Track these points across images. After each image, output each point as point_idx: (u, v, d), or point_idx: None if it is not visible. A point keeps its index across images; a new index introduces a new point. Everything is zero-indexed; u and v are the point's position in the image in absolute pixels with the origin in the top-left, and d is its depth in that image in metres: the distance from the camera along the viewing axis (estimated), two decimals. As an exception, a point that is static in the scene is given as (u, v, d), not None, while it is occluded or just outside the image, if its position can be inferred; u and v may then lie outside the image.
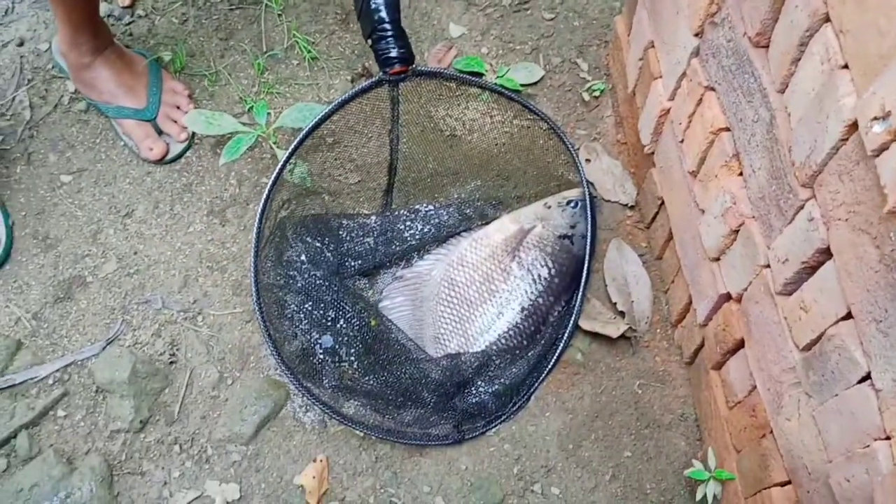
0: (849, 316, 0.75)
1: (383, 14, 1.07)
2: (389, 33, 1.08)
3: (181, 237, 1.33)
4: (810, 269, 0.81)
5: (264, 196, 1.10)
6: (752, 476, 1.00)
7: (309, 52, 1.46)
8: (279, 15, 1.51)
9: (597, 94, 1.44)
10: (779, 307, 0.88)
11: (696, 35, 1.01)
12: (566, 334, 1.21)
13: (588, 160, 1.38)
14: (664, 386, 1.23)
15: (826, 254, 0.78)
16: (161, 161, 1.36)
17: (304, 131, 1.11)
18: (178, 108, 1.39)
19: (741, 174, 0.95)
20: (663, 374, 1.24)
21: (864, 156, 0.69)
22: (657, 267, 1.30)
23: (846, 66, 0.71)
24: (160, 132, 1.38)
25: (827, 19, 0.74)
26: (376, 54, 1.10)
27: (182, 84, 1.42)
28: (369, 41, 1.11)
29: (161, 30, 1.50)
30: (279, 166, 1.10)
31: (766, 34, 0.85)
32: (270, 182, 1.11)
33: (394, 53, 1.08)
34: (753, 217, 0.92)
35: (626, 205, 1.35)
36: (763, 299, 0.92)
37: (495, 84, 1.30)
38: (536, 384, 1.20)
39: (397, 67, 1.09)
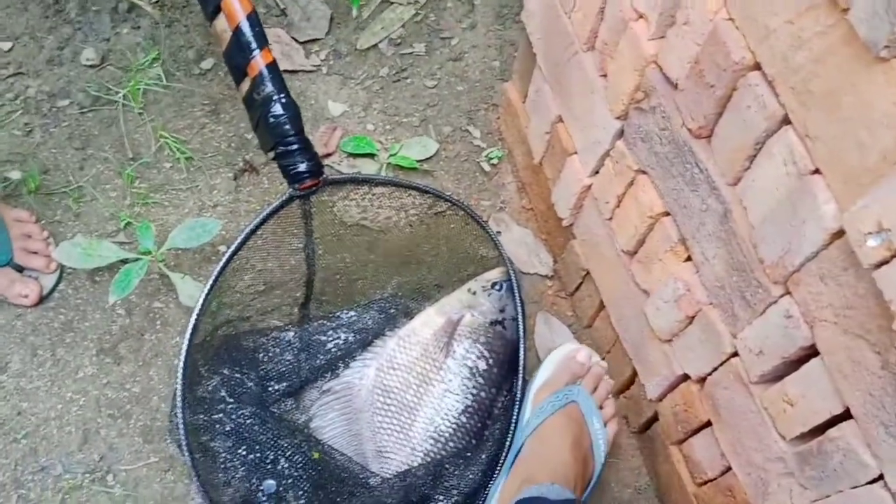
0: (846, 414, 0.74)
1: (287, 127, 0.98)
2: (296, 147, 0.99)
3: (71, 385, 1.17)
4: (792, 364, 0.80)
5: (184, 348, 0.98)
6: (738, 557, 0.99)
7: (182, 152, 1.34)
8: (140, 114, 1.37)
9: (495, 161, 1.40)
10: (755, 397, 0.87)
11: (619, 118, 0.99)
12: (512, 427, 1.16)
13: (499, 232, 1.33)
14: (616, 459, 1.21)
15: (810, 350, 0.77)
16: (39, 303, 1.19)
17: (217, 267, 1.00)
18: (31, 237, 1.22)
19: (689, 259, 0.93)
20: (614, 447, 1.21)
21: (853, 264, 0.67)
22: (588, 336, 1.28)
23: (818, 171, 0.70)
24: (21, 270, 1.20)
25: (786, 121, 0.72)
26: (283, 169, 1.01)
27: (25, 211, 1.25)
28: (271, 154, 1.01)
29: (3, 146, 1.32)
30: (194, 315, 0.98)
31: (708, 127, 0.83)
32: (189, 330, 0.98)
33: (303, 168, 1.00)
34: (711, 304, 0.91)
35: (545, 275, 1.32)
36: (734, 386, 0.90)
37: (399, 178, 1.24)
38: (493, 485, 1.14)
39: (308, 182, 1.01)
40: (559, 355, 1.14)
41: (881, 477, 0.71)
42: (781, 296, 0.78)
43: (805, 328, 0.76)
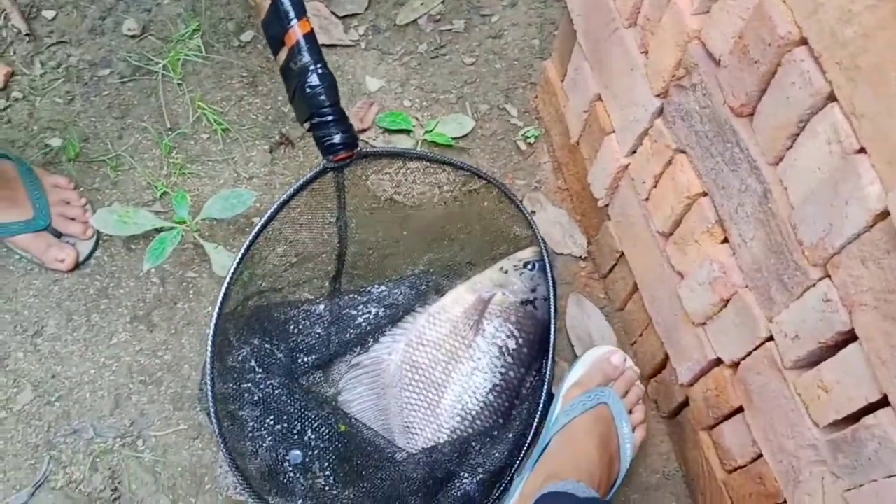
0: (883, 402, 0.72)
1: (323, 98, 0.97)
2: (331, 118, 0.98)
3: (104, 351, 1.19)
4: (829, 349, 0.78)
5: (214, 316, 0.98)
6: (766, 545, 0.98)
7: (219, 123, 1.34)
8: (179, 85, 1.37)
9: (531, 140, 1.38)
10: (789, 382, 0.85)
11: (659, 96, 0.97)
12: (540, 406, 1.15)
13: (533, 212, 1.32)
14: (644, 444, 1.19)
15: (848, 336, 0.75)
16: (75, 268, 1.21)
17: (250, 236, 1.00)
18: (69, 203, 1.24)
19: (726, 241, 0.91)
20: (642, 431, 1.20)
21: (896, 246, 0.65)
22: (619, 318, 1.26)
23: (863, 151, 0.67)
24: (59, 236, 1.22)
25: (832, 98, 0.70)
26: (317, 140, 1.00)
27: (63, 177, 1.26)
28: (306, 125, 1.01)
29: (44, 113, 1.34)
30: (227, 279, 0.99)
31: (751, 105, 0.81)
32: (220, 297, 0.98)
33: (338, 139, 0.99)
34: (747, 287, 0.89)
35: (579, 256, 1.30)
36: (767, 372, 0.88)
37: (434, 153, 1.23)
38: (518, 464, 1.13)
39: (342, 154, 1.00)
40: (594, 356, 1.13)
41: (918, 467, 0.70)
42: (820, 279, 0.76)
43: (843, 312, 0.73)
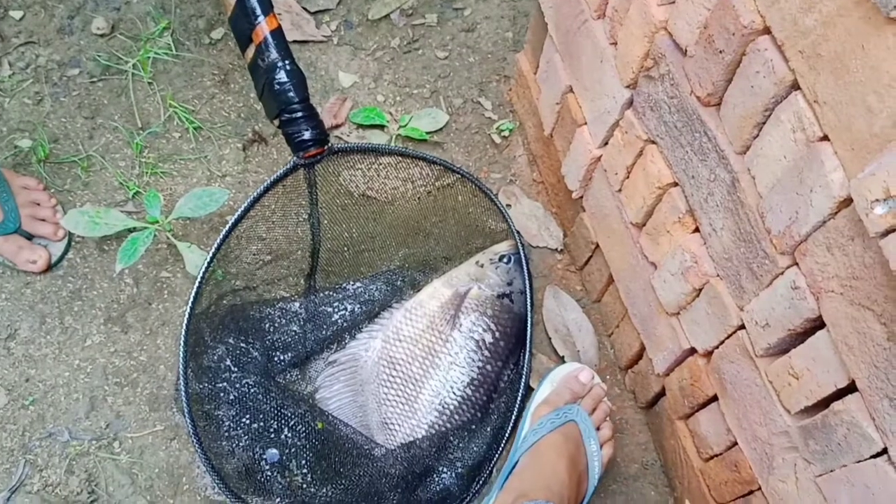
0: (851, 387, 0.72)
1: (292, 94, 0.97)
2: (300, 115, 0.98)
3: (78, 353, 1.18)
4: (798, 336, 0.78)
5: (187, 312, 0.98)
6: (743, 532, 0.98)
7: (190, 122, 1.33)
8: (149, 83, 1.36)
9: (506, 133, 1.38)
10: (761, 370, 0.85)
11: (629, 87, 0.97)
12: (518, 400, 1.15)
13: (509, 205, 1.32)
14: (623, 435, 1.20)
15: (816, 322, 0.75)
16: (47, 270, 1.20)
17: (221, 234, 0.99)
18: (39, 204, 1.22)
19: (697, 230, 0.92)
20: (620, 421, 1.20)
21: (859, 232, 0.66)
22: (597, 310, 1.27)
23: (826, 138, 0.68)
24: (30, 238, 1.21)
25: (795, 87, 0.70)
26: (287, 137, 1.00)
27: (33, 178, 1.25)
28: (276, 122, 1.01)
29: (13, 114, 1.32)
30: (199, 277, 0.98)
31: (717, 94, 0.81)
32: (192, 295, 0.98)
33: (308, 136, 0.99)
34: (718, 276, 0.89)
35: (555, 249, 1.30)
36: (739, 360, 0.89)
37: (405, 147, 1.23)
38: (496, 457, 1.14)
39: (312, 150, 1.00)
40: (561, 373, 1.14)
41: (885, 451, 0.70)
42: (788, 267, 0.77)
43: (811, 300, 0.74)
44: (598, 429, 1.09)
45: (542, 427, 1.07)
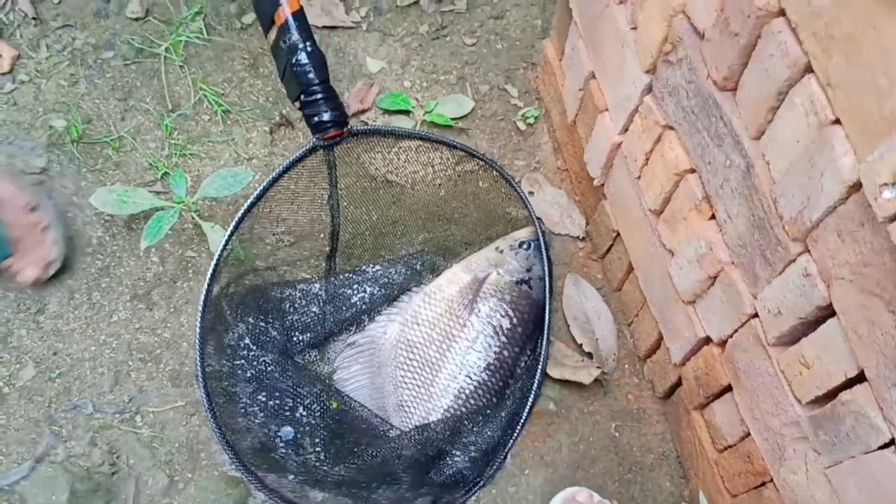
0: (861, 377, 0.71)
1: (312, 76, 0.98)
2: (320, 96, 0.99)
3: (105, 329, 1.20)
4: (810, 325, 0.77)
5: (204, 288, 0.99)
6: (755, 524, 0.97)
7: (219, 105, 1.35)
8: (181, 67, 1.38)
9: (531, 120, 1.38)
10: (773, 359, 0.84)
11: (648, 72, 0.96)
12: (535, 387, 1.15)
13: (531, 192, 1.32)
14: (640, 424, 1.19)
15: (828, 310, 0.74)
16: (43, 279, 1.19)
17: (239, 213, 1.01)
18: (33, 209, 1.17)
19: (713, 217, 0.91)
20: (638, 412, 1.20)
21: (870, 218, 0.64)
22: (616, 299, 1.26)
23: (838, 122, 0.66)
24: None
25: (809, 69, 0.69)
26: (307, 118, 1.01)
27: (8, 185, 1.17)
28: (297, 104, 1.02)
29: (49, 95, 1.35)
30: (217, 254, 1.00)
31: (733, 79, 0.80)
32: (210, 272, 1.00)
33: (327, 117, 0.99)
34: (733, 263, 0.88)
35: (577, 237, 1.30)
36: (753, 349, 0.88)
37: (427, 132, 1.23)
38: (511, 443, 1.13)
39: (332, 132, 1.01)
40: (561, 498, 1.14)
41: (893, 442, 0.69)
42: (800, 254, 0.76)
43: (822, 287, 0.73)
44: None
45: None
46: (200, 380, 0.98)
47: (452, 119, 1.36)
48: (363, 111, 1.38)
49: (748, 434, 0.94)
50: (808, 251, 0.74)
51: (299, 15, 0.99)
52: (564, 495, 1.14)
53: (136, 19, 1.42)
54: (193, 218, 1.23)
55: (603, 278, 1.28)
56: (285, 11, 0.98)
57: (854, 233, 0.67)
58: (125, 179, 1.29)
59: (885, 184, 0.60)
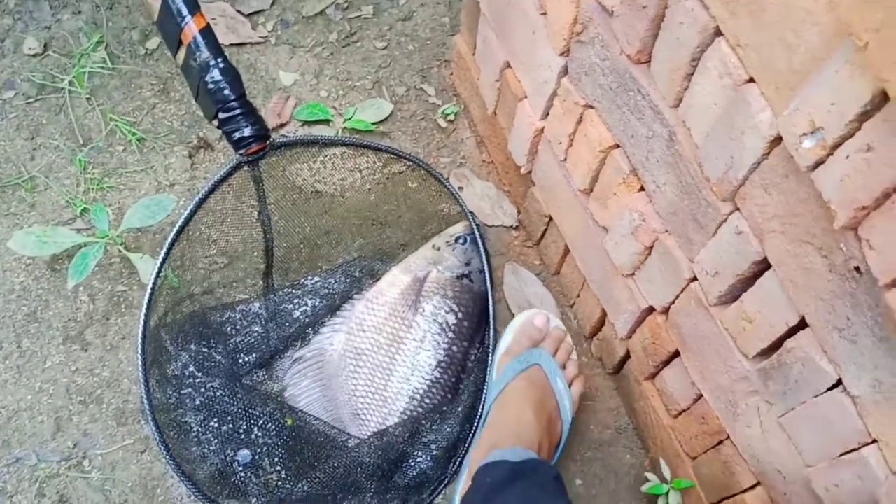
0: (802, 324, 0.74)
1: (228, 92, 0.96)
2: (238, 112, 0.97)
3: (39, 375, 1.16)
4: (747, 281, 0.79)
5: (142, 320, 0.97)
6: (716, 483, 0.99)
7: (133, 133, 1.32)
8: (87, 99, 1.35)
9: (451, 117, 1.38)
10: (716, 319, 0.86)
11: (562, 55, 0.98)
12: (487, 377, 1.15)
13: (461, 187, 1.32)
14: (594, 402, 1.21)
15: (763, 264, 0.76)
16: None
17: (169, 238, 0.98)
18: None
19: (642, 189, 0.93)
20: (590, 390, 1.21)
21: (792, 169, 0.67)
22: (556, 282, 1.27)
23: (752, 80, 0.69)
24: None
25: (718, 33, 0.71)
26: (228, 136, 0.99)
27: None
28: (215, 122, 1.00)
29: (-49, 142, 1.30)
30: (150, 284, 0.97)
31: (646, 51, 0.82)
32: (145, 303, 0.97)
33: (248, 132, 0.98)
34: (667, 231, 0.90)
35: (510, 226, 1.31)
36: (695, 312, 0.90)
37: (349, 136, 1.22)
38: (471, 436, 1.14)
39: (255, 146, 0.99)
40: (517, 322, 1.15)
41: (840, 382, 0.71)
42: (730, 213, 0.78)
43: (755, 242, 0.75)
44: (564, 367, 1.09)
45: (505, 376, 1.07)
46: (149, 413, 0.95)
47: (373, 123, 1.36)
48: (282, 125, 1.36)
49: (700, 396, 0.97)
50: (738, 209, 0.76)
51: (207, 31, 0.97)
52: (523, 318, 1.14)
53: (35, 55, 1.37)
54: (120, 251, 1.20)
55: (541, 264, 1.29)
56: (192, 29, 0.96)
57: (779, 185, 0.69)
58: (42, 220, 1.25)
59: (804, 133, 0.62)
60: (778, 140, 0.67)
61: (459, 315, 1.18)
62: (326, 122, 1.36)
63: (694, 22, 0.73)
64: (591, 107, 0.96)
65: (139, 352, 0.96)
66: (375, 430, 1.13)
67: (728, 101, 0.72)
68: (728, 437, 0.94)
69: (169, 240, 0.98)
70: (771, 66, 0.65)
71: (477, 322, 1.19)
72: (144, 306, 0.97)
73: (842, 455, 0.74)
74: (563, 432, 1.08)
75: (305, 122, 1.36)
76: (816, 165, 0.62)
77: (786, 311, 0.75)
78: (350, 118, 1.35)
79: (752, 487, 0.93)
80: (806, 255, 0.69)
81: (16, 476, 1.10)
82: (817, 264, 0.68)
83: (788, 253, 0.71)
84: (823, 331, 0.70)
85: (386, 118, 1.37)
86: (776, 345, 0.79)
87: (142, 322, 0.97)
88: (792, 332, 0.76)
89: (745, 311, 0.81)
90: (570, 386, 1.09)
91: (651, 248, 0.94)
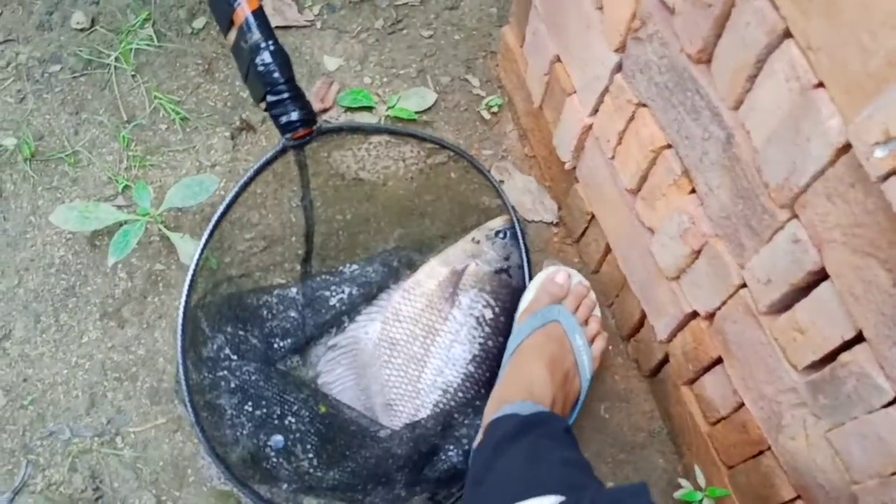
0: (859, 338, 0.72)
1: (277, 75, 0.96)
2: (287, 95, 0.97)
3: (75, 350, 1.16)
4: (802, 291, 0.77)
5: (183, 300, 0.97)
6: (753, 493, 0.98)
7: (177, 113, 1.31)
8: (133, 76, 1.35)
9: (495, 109, 1.37)
10: (765, 328, 0.84)
11: (617, 51, 0.96)
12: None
13: (502, 181, 1.31)
14: (629, 404, 1.19)
15: (820, 275, 0.74)
16: None
17: (211, 222, 0.98)
18: None
19: (693, 191, 0.91)
20: (625, 391, 1.20)
21: (860, 178, 0.65)
22: (595, 281, 1.25)
23: (821, 85, 0.67)
24: None
25: (787, 34, 0.69)
26: (275, 119, 0.99)
27: None
28: (262, 105, 0.99)
29: (-4, 113, 1.30)
30: (194, 264, 0.97)
31: (708, 50, 0.80)
32: (187, 283, 0.97)
33: (296, 116, 0.98)
34: (717, 235, 0.88)
35: (550, 222, 1.29)
36: (743, 319, 0.88)
37: (392, 124, 1.21)
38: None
39: (301, 131, 0.99)
40: (539, 279, 1.13)
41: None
42: (788, 220, 0.76)
43: (813, 251, 0.73)
44: (585, 324, 1.07)
45: (522, 332, 1.05)
46: (186, 394, 0.95)
47: (416, 112, 1.34)
48: (325, 110, 1.35)
49: (742, 405, 0.95)
50: (797, 217, 0.74)
51: (259, 13, 0.97)
52: (544, 275, 1.12)
53: (82, 30, 1.37)
54: (160, 230, 1.20)
55: (580, 261, 1.27)
56: (244, 10, 0.96)
57: (844, 194, 0.67)
58: (84, 195, 1.25)
59: (877, 143, 0.60)
60: (846, 148, 0.65)
61: (496, 310, 1.17)
62: (369, 109, 1.35)
63: (762, 22, 0.71)
64: (644, 105, 0.94)
65: (179, 333, 0.96)
66: (407, 421, 1.13)
67: (794, 105, 0.69)
68: (769, 447, 0.92)
69: (213, 221, 0.98)
70: (844, 71, 0.63)
71: (513, 317, 1.18)
72: (186, 286, 0.97)
73: (893, 474, 0.72)
74: (581, 390, 1.06)
75: (348, 109, 1.35)
76: (888, 176, 0.60)
77: (842, 324, 0.73)
78: (393, 106, 1.34)
79: (792, 501, 0.91)
80: (869, 268, 0.67)
81: (49, 449, 1.10)
82: (881, 278, 0.66)
83: (849, 265, 0.69)
84: (882, 346, 0.68)
85: (429, 108, 1.36)
86: (828, 358, 0.77)
87: (182, 304, 0.97)
88: (847, 345, 0.74)
89: (797, 321, 0.79)
90: (591, 343, 1.07)
91: (699, 251, 0.92)
